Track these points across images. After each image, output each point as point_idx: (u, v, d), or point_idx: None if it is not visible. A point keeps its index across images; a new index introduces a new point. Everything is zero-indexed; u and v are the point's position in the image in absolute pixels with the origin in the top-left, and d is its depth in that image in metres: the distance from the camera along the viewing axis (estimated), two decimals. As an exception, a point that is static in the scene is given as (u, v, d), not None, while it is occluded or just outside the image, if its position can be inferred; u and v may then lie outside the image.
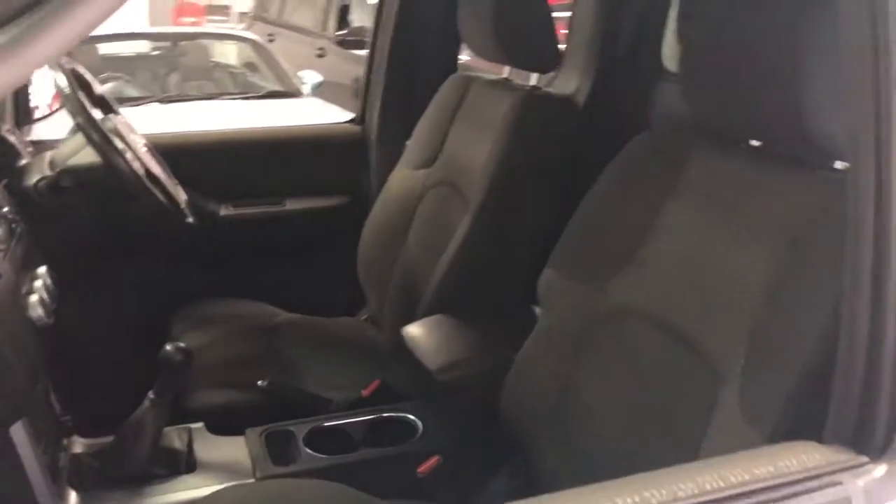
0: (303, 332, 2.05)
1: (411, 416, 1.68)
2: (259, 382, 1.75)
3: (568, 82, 1.96)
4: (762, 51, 1.04)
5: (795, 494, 0.66)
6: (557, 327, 1.33)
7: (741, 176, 1.13)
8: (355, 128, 2.35)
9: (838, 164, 1.01)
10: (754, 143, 1.15)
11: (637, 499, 0.67)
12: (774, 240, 1.02)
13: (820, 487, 0.65)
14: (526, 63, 1.79)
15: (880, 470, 0.68)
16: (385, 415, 1.68)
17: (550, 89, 1.97)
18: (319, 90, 5.09)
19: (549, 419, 1.29)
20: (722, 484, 0.69)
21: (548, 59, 1.78)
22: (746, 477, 0.69)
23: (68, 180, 1.70)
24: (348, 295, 2.25)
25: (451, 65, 2.23)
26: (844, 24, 0.79)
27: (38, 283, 1.42)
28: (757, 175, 1.11)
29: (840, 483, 0.66)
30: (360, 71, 2.32)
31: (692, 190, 1.19)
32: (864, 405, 0.71)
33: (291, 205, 2.27)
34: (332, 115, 4.37)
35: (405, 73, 2.22)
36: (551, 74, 2.01)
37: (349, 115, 2.48)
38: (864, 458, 0.69)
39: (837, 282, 0.81)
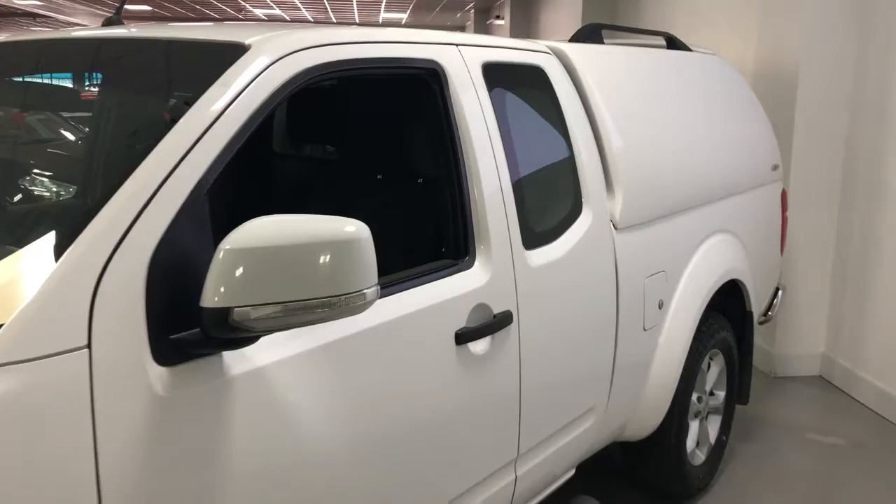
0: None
1: None
2: None
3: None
4: (372, 131, 2.37)
5: None
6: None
7: (376, 193, 2.42)
8: None
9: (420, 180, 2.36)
10: (380, 176, 2.46)
11: None
12: (397, 215, 2.31)
13: None
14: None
15: None
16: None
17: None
18: None
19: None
20: None
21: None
22: None
23: None
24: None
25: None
26: (427, 119, 2.10)
27: None
28: (383, 191, 2.41)
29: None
30: None
31: (357, 202, 2.44)
32: None
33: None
34: None
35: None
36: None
37: None
38: None
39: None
